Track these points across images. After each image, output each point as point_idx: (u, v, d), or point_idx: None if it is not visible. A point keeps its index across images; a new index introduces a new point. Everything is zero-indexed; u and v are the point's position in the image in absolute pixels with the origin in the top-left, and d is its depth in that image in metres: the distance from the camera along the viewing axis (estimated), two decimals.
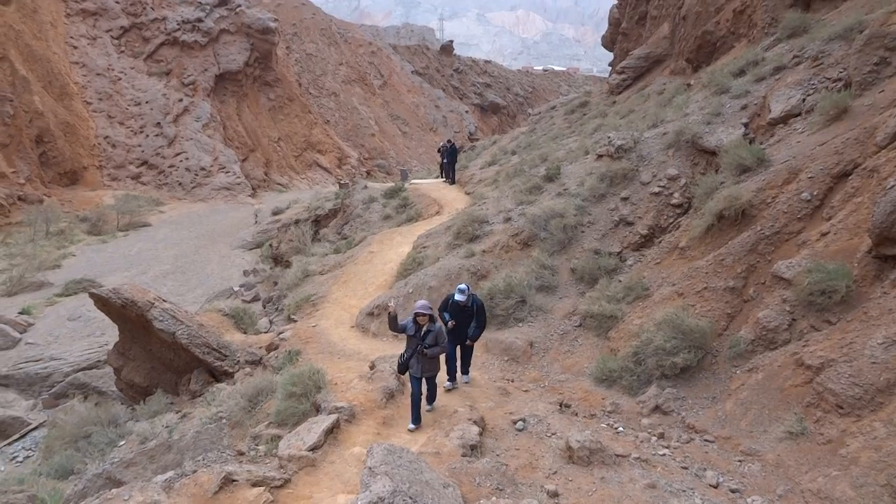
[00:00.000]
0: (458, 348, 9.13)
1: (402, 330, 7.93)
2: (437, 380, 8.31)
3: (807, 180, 9.41)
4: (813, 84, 12.08)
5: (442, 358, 8.49)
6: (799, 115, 11.83)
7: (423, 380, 7.96)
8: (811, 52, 13.04)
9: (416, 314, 7.78)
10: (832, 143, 9.68)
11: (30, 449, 14.72)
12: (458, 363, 9.24)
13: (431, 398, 8.24)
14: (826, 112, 10.59)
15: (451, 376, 9.18)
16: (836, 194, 9.03)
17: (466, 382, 9.30)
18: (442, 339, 7.85)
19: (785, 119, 11.99)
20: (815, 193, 9.21)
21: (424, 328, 7.77)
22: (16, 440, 15.27)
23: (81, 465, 9.80)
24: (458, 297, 8.68)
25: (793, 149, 10.60)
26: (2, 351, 21.44)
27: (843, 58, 11.95)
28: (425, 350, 7.71)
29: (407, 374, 8.07)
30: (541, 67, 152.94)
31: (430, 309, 7.85)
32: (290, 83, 63.45)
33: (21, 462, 14.15)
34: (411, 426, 7.87)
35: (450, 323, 8.70)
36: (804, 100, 11.90)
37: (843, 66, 11.77)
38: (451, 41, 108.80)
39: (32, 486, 8.60)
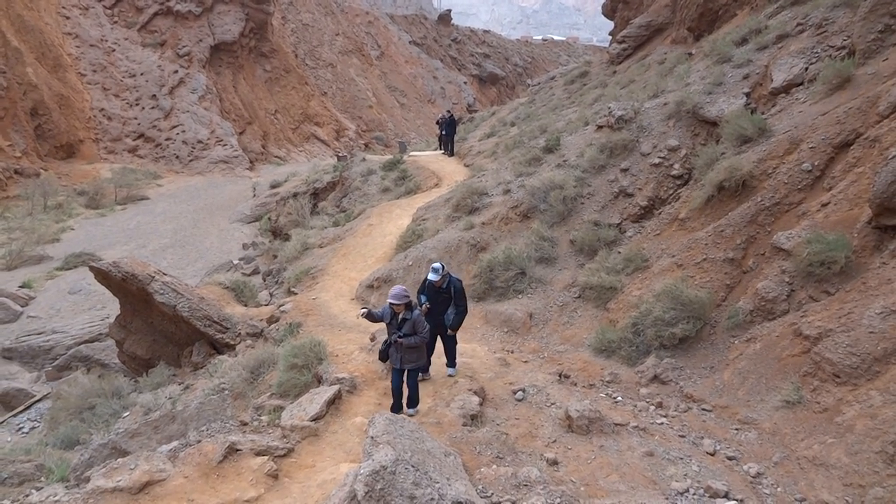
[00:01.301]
0: (439, 338, 8.32)
1: (380, 319, 7.41)
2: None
3: (808, 150, 9.37)
4: (816, 52, 11.93)
5: None
6: (801, 84, 11.71)
7: (406, 372, 7.46)
8: (815, 19, 12.86)
9: (390, 303, 7.18)
10: (834, 113, 9.60)
11: (35, 420, 14.88)
12: (444, 353, 8.43)
13: (412, 401, 7.51)
14: (829, 81, 10.48)
15: (424, 368, 8.33)
16: (838, 164, 9.00)
17: (451, 376, 8.33)
18: (421, 327, 7.24)
19: (787, 88, 11.88)
20: (816, 164, 9.17)
21: (400, 316, 7.23)
22: (21, 412, 15.43)
23: (87, 435, 9.93)
24: (431, 276, 7.89)
25: (794, 119, 10.52)
26: (4, 324, 21.53)
27: (847, 25, 11.78)
28: (399, 340, 7.18)
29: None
30: (540, 37, 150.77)
31: (407, 295, 7.23)
32: (287, 54, 62.58)
33: (27, 433, 14.32)
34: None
35: (424, 306, 7.92)
36: (807, 69, 11.77)
37: (847, 34, 11.62)
38: (449, 10, 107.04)
39: (39, 455, 8.73)
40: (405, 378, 7.48)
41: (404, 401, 7.51)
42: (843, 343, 6.78)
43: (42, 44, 45.18)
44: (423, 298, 8.03)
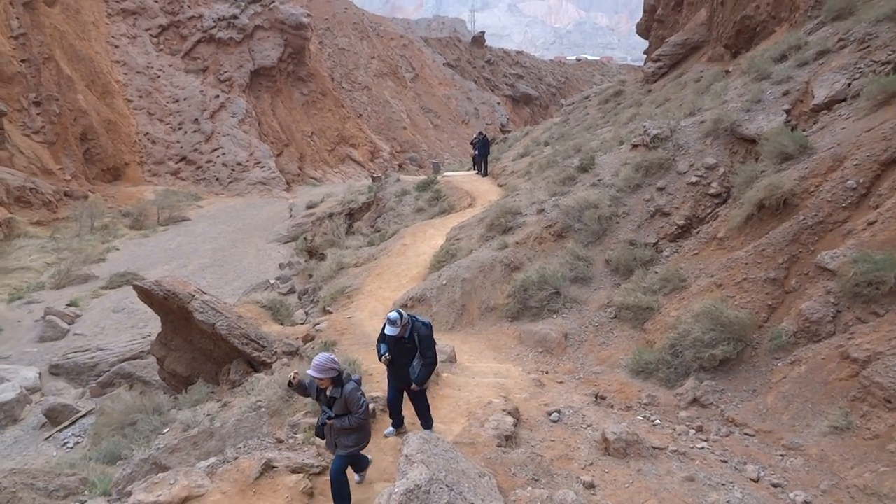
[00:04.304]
0: (406, 394, 7.29)
1: (303, 389, 5.99)
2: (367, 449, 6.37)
3: (852, 168, 9.12)
4: (859, 68, 11.66)
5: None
6: (844, 100, 11.44)
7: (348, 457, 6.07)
8: (857, 34, 12.59)
9: (312, 377, 5.76)
10: (880, 129, 9.34)
11: (79, 435, 15.29)
12: (416, 415, 7.38)
13: (359, 469, 6.39)
14: (873, 97, 10.22)
15: (396, 422, 7.48)
16: (884, 182, 8.73)
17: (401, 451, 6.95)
18: (356, 405, 5.77)
19: (829, 105, 11.61)
20: (861, 181, 8.91)
21: (328, 392, 5.84)
22: (66, 427, 15.88)
23: (128, 450, 10.14)
24: (388, 330, 6.73)
25: (837, 135, 10.27)
26: (52, 341, 22.31)
27: (891, 40, 11.50)
28: (328, 421, 5.89)
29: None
30: (574, 57, 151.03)
31: (334, 367, 5.72)
32: (323, 78, 64.04)
33: (71, 448, 14.72)
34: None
35: (384, 357, 6.89)
36: (850, 84, 11.50)
37: (891, 49, 11.34)
38: (483, 32, 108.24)
39: (83, 469, 8.95)
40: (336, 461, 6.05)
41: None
42: (894, 366, 6.52)
43: (92, 72, 47.25)
44: (384, 348, 6.95)
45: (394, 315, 6.69)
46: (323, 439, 6.20)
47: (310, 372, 5.69)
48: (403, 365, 6.96)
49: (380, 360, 6.93)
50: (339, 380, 5.78)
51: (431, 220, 19.96)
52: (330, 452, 6.12)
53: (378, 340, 7.15)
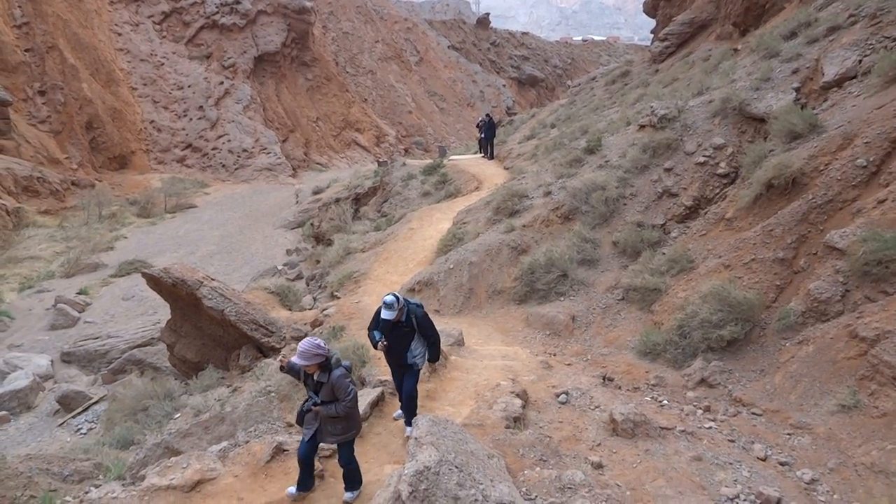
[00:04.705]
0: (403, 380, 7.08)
1: (295, 373, 5.83)
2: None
3: (863, 146, 9.01)
4: (870, 44, 11.48)
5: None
6: (854, 77, 11.28)
7: (338, 446, 5.91)
8: (868, 9, 12.38)
9: (296, 363, 5.62)
10: (891, 106, 9.22)
11: (92, 421, 15.49)
12: (399, 403, 7.29)
13: (351, 483, 5.97)
14: (885, 73, 10.07)
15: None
16: (895, 160, 8.63)
17: (407, 436, 6.78)
18: (343, 392, 5.56)
19: (839, 82, 11.46)
20: (871, 159, 8.81)
21: (315, 377, 5.65)
22: (79, 413, 16.09)
23: (141, 435, 10.28)
24: (385, 314, 6.56)
25: (847, 113, 10.15)
26: (63, 329, 22.54)
27: None
28: (314, 407, 5.68)
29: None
30: (580, 38, 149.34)
31: (319, 353, 5.50)
32: (328, 62, 63.70)
33: (85, 434, 14.92)
34: (291, 490, 5.98)
35: (381, 344, 6.68)
36: (860, 61, 11.33)
37: None
38: (488, 14, 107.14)
39: (97, 455, 9.08)
40: (338, 452, 5.97)
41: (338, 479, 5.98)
42: None
43: (96, 60, 47.18)
44: (377, 335, 6.75)
45: (390, 298, 6.52)
46: (301, 426, 5.93)
47: (294, 360, 5.57)
48: (402, 349, 6.82)
49: (375, 347, 6.77)
50: (326, 365, 5.58)
51: (438, 204, 19.93)
52: (304, 437, 5.88)
53: (369, 328, 6.96)
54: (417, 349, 6.89)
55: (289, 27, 57.40)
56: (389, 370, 7.49)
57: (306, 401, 5.81)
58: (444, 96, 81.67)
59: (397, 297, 6.58)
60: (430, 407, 7.69)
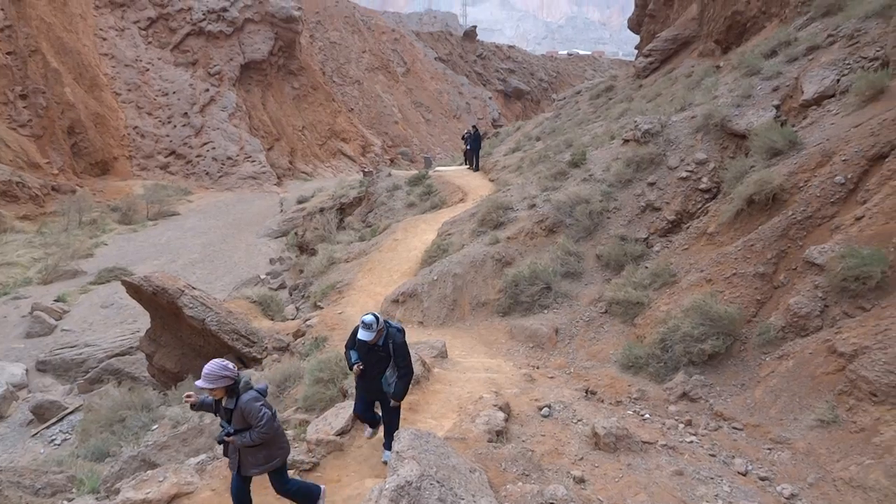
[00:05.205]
0: (379, 405, 6.76)
1: (207, 407, 5.29)
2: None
3: (841, 163, 9.17)
4: (848, 64, 11.72)
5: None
6: (833, 96, 11.50)
7: (269, 475, 5.49)
8: (846, 30, 12.65)
9: (200, 387, 5.04)
10: (868, 125, 9.40)
11: (67, 432, 15.18)
12: (384, 430, 6.81)
13: (306, 500, 5.63)
14: (861, 93, 10.28)
15: (371, 424, 6.99)
16: (872, 177, 8.79)
17: (385, 462, 6.40)
18: (256, 417, 5.02)
19: (818, 100, 11.67)
20: (849, 177, 8.97)
21: (223, 404, 5.15)
22: (54, 423, 15.77)
23: (117, 447, 10.09)
24: (362, 334, 6.10)
25: (826, 131, 10.33)
26: (39, 337, 22.11)
27: (880, 36, 11.56)
28: (227, 438, 5.14)
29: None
30: (565, 52, 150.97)
31: (225, 374, 5.01)
32: (314, 72, 63.69)
33: (59, 445, 14.62)
34: None
35: (356, 367, 6.26)
36: (839, 80, 11.56)
37: (880, 45, 11.40)
38: (475, 27, 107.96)
39: (71, 467, 8.90)
40: (270, 482, 5.55)
41: None
42: (880, 360, 6.58)
43: (80, 64, 46.72)
44: (354, 356, 6.33)
45: (369, 318, 6.06)
46: (227, 457, 5.43)
47: (198, 383, 4.98)
48: (376, 375, 6.39)
49: (350, 369, 6.32)
50: (233, 389, 5.05)
51: (423, 215, 19.94)
52: (234, 471, 5.38)
53: (346, 347, 6.50)
54: (394, 377, 6.46)
55: (276, 36, 57.34)
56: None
57: (221, 432, 5.22)
58: (431, 107, 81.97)
59: (377, 318, 6.14)
60: (413, 420, 7.64)
